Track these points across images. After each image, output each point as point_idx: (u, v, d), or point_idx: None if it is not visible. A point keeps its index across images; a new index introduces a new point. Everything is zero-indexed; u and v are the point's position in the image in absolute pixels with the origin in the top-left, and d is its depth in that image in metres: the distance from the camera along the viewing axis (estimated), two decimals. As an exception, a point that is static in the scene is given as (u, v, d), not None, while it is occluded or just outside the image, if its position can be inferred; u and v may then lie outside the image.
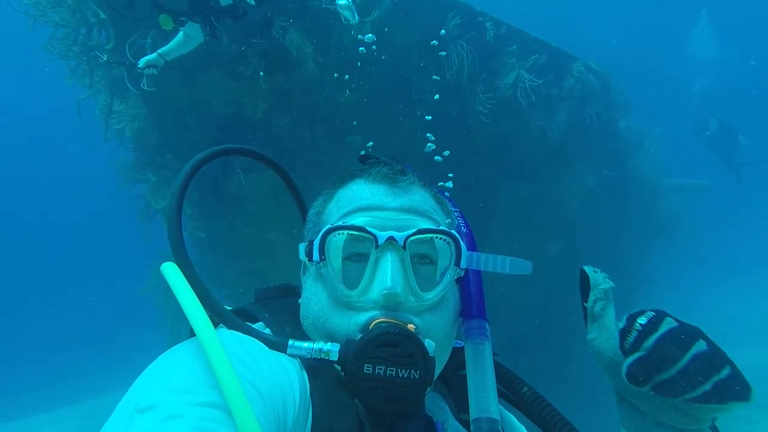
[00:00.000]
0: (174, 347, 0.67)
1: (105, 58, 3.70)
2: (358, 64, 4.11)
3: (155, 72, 3.55)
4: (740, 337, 9.33)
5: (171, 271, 0.72)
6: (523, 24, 5.05)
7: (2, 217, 26.17)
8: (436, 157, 4.35)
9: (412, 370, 0.66)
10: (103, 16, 4.16)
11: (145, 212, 5.28)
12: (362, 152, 0.97)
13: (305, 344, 0.71)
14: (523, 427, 0.93)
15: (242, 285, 5.11)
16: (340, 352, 0.69)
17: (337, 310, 0.74)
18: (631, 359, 0.68)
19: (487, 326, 0.82)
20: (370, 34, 3.93)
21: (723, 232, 16.86)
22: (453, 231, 0.78)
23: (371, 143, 4.34)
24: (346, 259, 0.76)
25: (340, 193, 0.84)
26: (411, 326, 0.71)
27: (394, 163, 0.88)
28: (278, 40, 4.01)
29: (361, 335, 0.70)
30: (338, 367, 0.70)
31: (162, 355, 0.65)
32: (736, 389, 0.65)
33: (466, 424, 0.78)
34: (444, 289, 0.76)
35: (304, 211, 1.04)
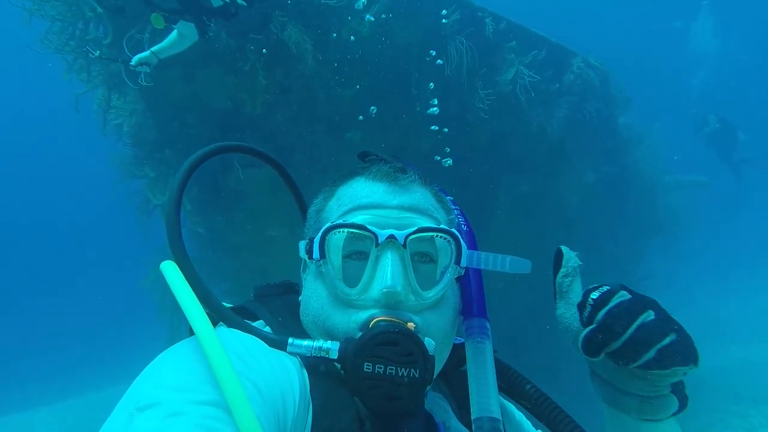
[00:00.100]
0: (174, 345, 0.67)
1: (97, 54, 3.66)
2: (357, 55, 4.09)
3: (148, 70, 3.52)
4: (737, 333, 9.39)
5: (170, 270, 0.72)
6: (523, 20, 5.03)
7: (0, 212, 26.13)
8: (446, 161, 4.37)
9: (412, 369, 0.66)
10: (100, 10, 4.12)
11: (144, 208, 5.28)
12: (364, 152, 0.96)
13: (305, 342, 0.71)
14: (525, 418, 0.94)
15: (241, 280, 5.11)
16: (339, 350, 0.69)
17: (337, 308, 0.74)
18: (584, 332, 0.72)
19: (488, 325, 0.82)
20: (369, 16, 3.89)
21: (721, 228, 16.91)
22: (453, 229, 0.78)
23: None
24: (347, 257, 0.76)
25: (341, 190, 0.84)
26: (411, 325, 0.71)
27: (394, 160, 0.88)
28: (277, 35, 3.99)
29: (360, 333, 0.70)
30: (338, 365, 0.70)
31: (162, 353, 0.65)
32: (678, 355, 0.68)
33: (467, 423, 0.78)
34: (444, 288, 0.76)
35: (302, 208, 1.04)
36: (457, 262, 0.77)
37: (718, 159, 11.80)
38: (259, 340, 0.71)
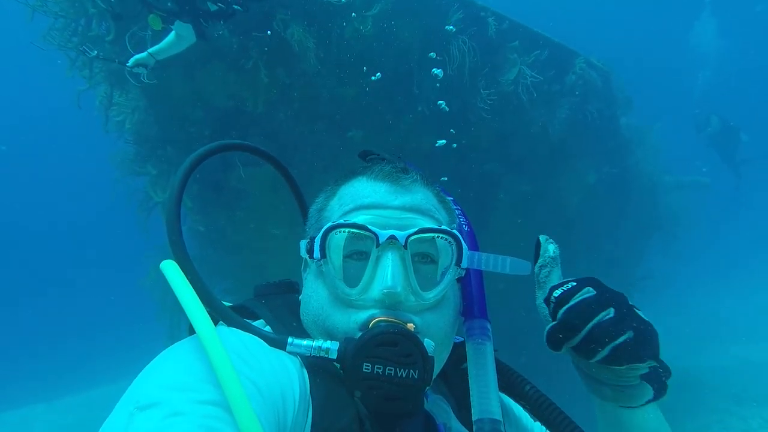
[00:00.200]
0: (173, 345, 0.67)
1: (94, 54, 3.64)
2: (359, 53, 4.08)
3: (145, 71, 3.51)
4: (737, 332, 9.37)
5: (170, 269, 0.72)
6: (525, 19, 5.01)
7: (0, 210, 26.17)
8: (441, 142, 4.35)
9: (411, 370, 0.67)
10: (103, 6, 4.12)
11: (145, 205, 5.28)
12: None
13: (304, 342, 0.71)
14: (524, 411, 0.94)
15: (242, 279, 5.12)
16: (339, 350, 0.69)
17: (337, 308, 0.75)
18: (547, 327, 0.75)
19: (489, 326, 0.83)
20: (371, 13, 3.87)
21: (721, 228, 16.89)
22: (455, 230, 0.78)
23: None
24: (347, 257, 0.76)
25: (342, 190, 0.84)
26: (411, 325, 0.71)
27: (396, 160, 0.88)
28: (279, 33, 3.98)
29: (360, 334, 0.70)
30: (338, 365, 0.71)
31: (162, 353, 0.65)
32: (633, 353, 0.70)
33: (468, 423, 0.79)
34: (444, 289, 0.76)
35: (303, 207, 1.04)
36: (458, 263, 0.77)
37: (719, 160, 11.78)
38: (259, 339, 0.71)
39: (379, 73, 4.11)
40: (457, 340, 0.85)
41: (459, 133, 4.61)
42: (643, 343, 0.71)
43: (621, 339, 0.70)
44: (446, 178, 4.23)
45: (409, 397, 0.68)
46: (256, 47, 4.07)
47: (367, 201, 0.79)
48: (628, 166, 6.98)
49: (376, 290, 0.72)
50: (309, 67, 4.13)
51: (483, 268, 0.80)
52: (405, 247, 0.73)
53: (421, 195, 0.81)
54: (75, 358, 13.36)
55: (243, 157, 4.37)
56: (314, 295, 0.79)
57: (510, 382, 0.84)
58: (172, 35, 3.45)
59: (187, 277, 0.71)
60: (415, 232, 0.74)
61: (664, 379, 0.77)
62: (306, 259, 0.83)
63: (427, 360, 0.68)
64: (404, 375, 0.66)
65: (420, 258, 0.77)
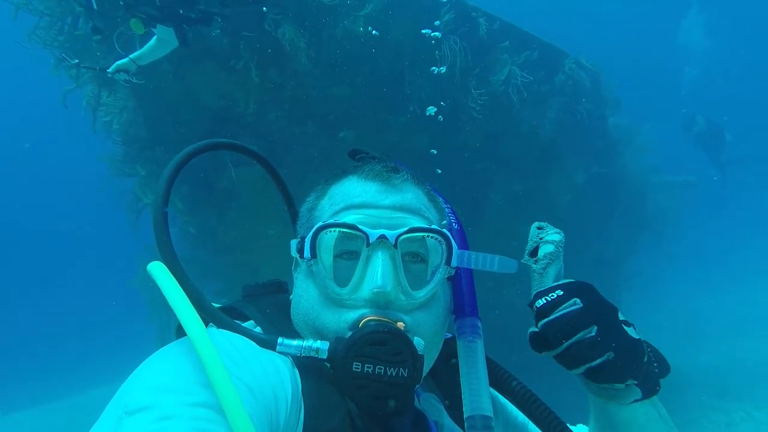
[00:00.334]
0: (163, 348, 0.66)
1: (75, 62, 3.56)
2: (350, 53, 4.08)
3: (126, 77, 3.47)
4: (724, 329, 9.53)
5: (159, 271, 0.71)
6: (516, 19, 5.05)
7: (-11, 211, 25.67)
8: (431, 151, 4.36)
9: (401, 369, 0.67)
10: (83, 12, 4.06)
11: (134, 206, 5.22)
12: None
13: (295, 342, 0.71)
14: (509, 403, 0.95)
15: (233, 279, 5.08)
16: (329, 350, 0.69)
17: (327, 308, 0.75)
18: (529, 331, 0.77)
19: (479, 324, 0.83)
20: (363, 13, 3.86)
21: (709, 226, 17.18)
22: (445, 230, 0.78)
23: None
24: (338, 256, 0.76)
25: (333, 189, 0.83)
26: (400, 324, 0.71)
27: (387, 159, 0.88)
28: (270, 33, 3.96)
29: (350, 333, 0.70)
30: (328, 365, 0.71)
31: (151, 355, 0.64)
32: (611, 374, 0.71)
33: (459, 421, 0.79)
34: (434, 288, 0.77)
35: (291, 207, 1.04)
36: (448, 262, 0.77)
37: (707, 159, 11.99)
38: (249, 340, 0.71)
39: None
40: (446, 336, 0.85)
41: (449, 133, 4.62)
42: (624, 365, 0.70)
43: (598, 361, 0.69)
44: (440, 171, 4.25)
45: (399, 396, 0.68)
46: (247, 47, 4.05)
47: (357, 200, 0.79)
48: (616, 166, 7.07)
49: (366, 290, 0.72)
50: (300, 67, 4.12)
51: (472, 266, 0.81)
52: (395, 246, 0.74)
53: (411, 194, 0.81)
54: (65, 363, 13.15)
55: (234, 157, 4.34)
56: (305, 295, 0.79)
57: (497, 378, 0.85)
58: (153, 40, 3.41)
59: (176, 278, 0.70)
60: (406, 232, 0.74)
61: (658, 377, 0.77)
62: (296, 258, 0.83)
63: (416, 358, 0.68)
64: (394, 374, 0.66)
65: (410, 257, 0.77)
